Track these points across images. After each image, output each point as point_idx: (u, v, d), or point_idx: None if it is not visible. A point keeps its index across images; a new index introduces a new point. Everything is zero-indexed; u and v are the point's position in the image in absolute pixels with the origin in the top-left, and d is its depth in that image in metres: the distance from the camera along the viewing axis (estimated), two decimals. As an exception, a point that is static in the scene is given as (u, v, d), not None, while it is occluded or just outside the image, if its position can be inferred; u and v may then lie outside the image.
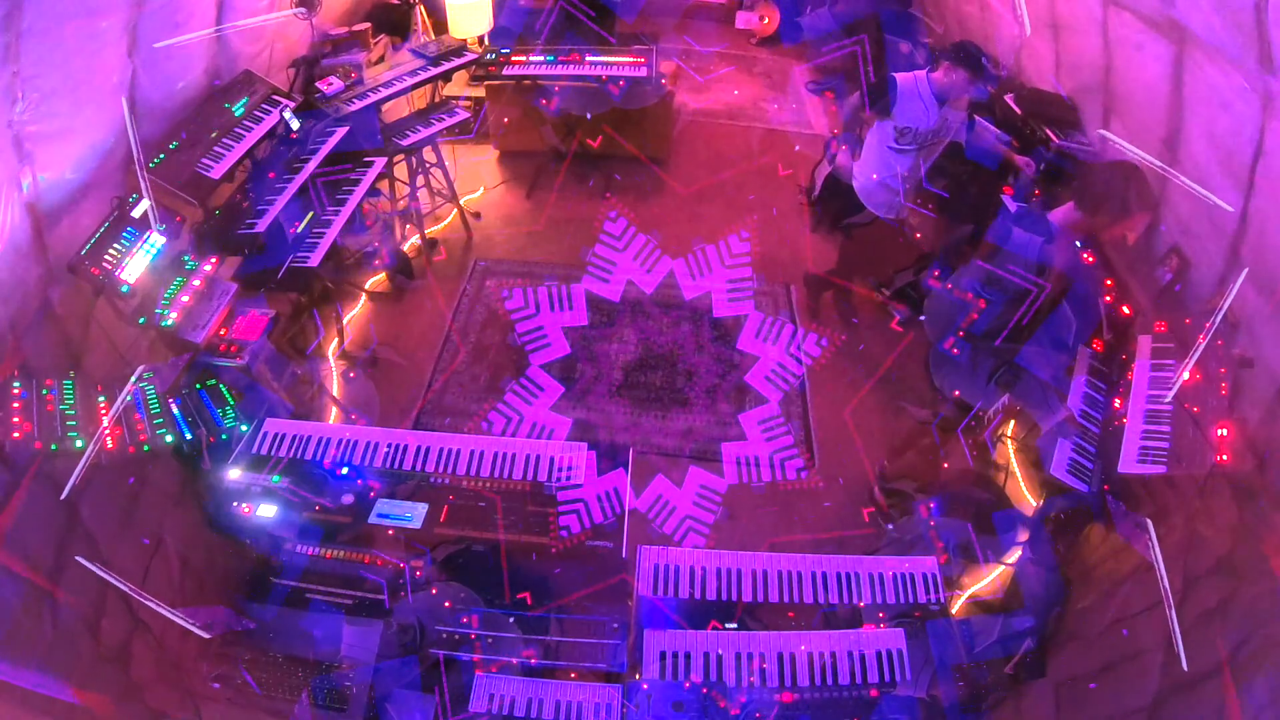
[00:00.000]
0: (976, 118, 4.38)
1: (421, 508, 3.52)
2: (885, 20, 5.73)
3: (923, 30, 6.14)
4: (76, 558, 2.99)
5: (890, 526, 3.93)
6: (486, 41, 6.04)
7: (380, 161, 4.98)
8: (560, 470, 3.56)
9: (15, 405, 3.16)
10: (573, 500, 3.53)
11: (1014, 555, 3.67)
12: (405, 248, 5.56)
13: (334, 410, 4.59)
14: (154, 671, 3.27)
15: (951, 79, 4.16)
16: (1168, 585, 2.86)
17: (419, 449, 3.63)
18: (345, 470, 3.57)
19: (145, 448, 3.33)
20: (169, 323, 3.67)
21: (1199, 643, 2.78)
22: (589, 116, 5.69)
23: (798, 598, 3.22)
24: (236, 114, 4.43)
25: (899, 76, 4.25)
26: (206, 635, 3.21)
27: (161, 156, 4.03)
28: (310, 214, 4.49)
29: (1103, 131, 4.16)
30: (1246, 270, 3.06)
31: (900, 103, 4.22)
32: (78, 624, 3.09)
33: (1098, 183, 3.72)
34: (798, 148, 6.42)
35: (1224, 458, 3.03)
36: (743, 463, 4.48)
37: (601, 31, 5.93)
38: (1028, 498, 3.90)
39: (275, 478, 3.53)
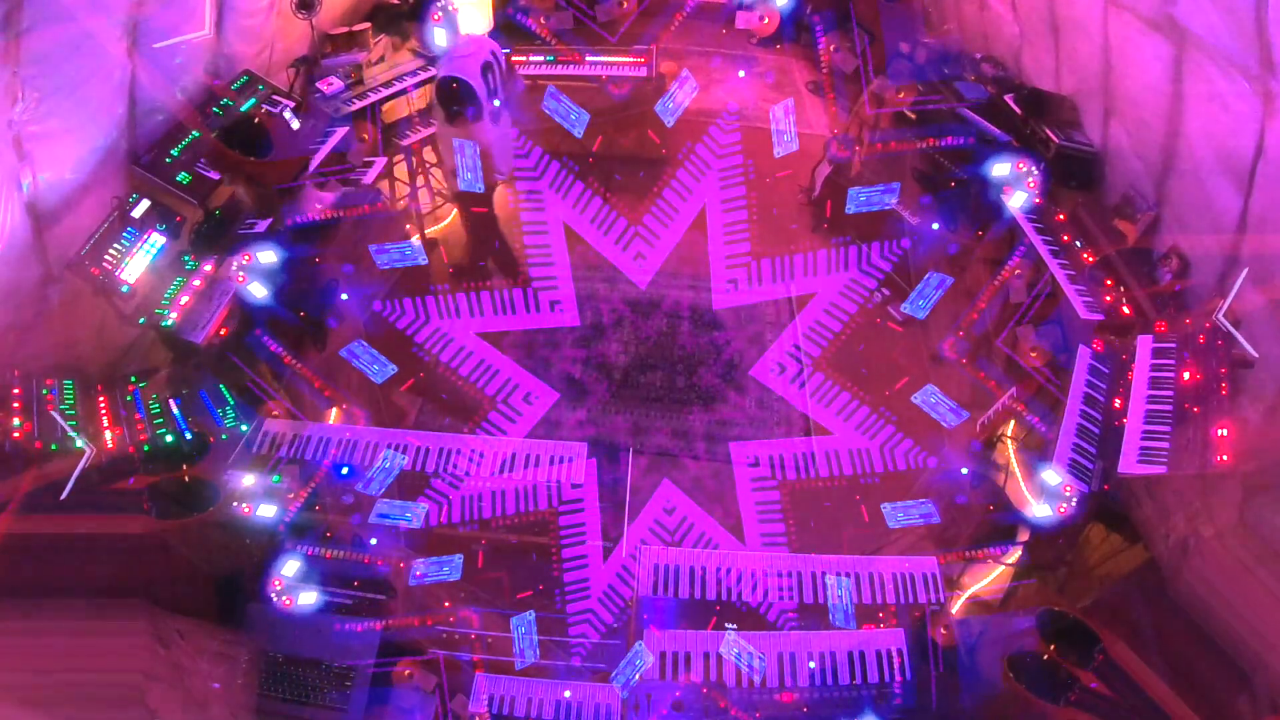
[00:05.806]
0: None
1: (421, 508, 3.53)
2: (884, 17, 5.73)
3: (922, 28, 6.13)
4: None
5: None
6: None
7: (380, 161, 4.98)
8: (558, 463, 3.57)
9: (15, 405, 3.16)
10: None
11: (1014, 556, 3.67)
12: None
13: (334, 410, 4.58)
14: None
15: None
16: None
17: (419, 449, 3.64)
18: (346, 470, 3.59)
19: (145, 448, 3.33)
20: (169, 323, 3.67)
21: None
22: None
23: (798, 598, 3.23)
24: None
25: None
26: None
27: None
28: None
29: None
30: (1246, 270, 3.06)
31: None
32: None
33: None
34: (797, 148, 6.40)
35: (1224, 458, 3.03)
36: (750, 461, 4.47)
37: (602, 32, 5.93)
38: (1027, 498, 3.89)
39: (275, 478, 3.53)
